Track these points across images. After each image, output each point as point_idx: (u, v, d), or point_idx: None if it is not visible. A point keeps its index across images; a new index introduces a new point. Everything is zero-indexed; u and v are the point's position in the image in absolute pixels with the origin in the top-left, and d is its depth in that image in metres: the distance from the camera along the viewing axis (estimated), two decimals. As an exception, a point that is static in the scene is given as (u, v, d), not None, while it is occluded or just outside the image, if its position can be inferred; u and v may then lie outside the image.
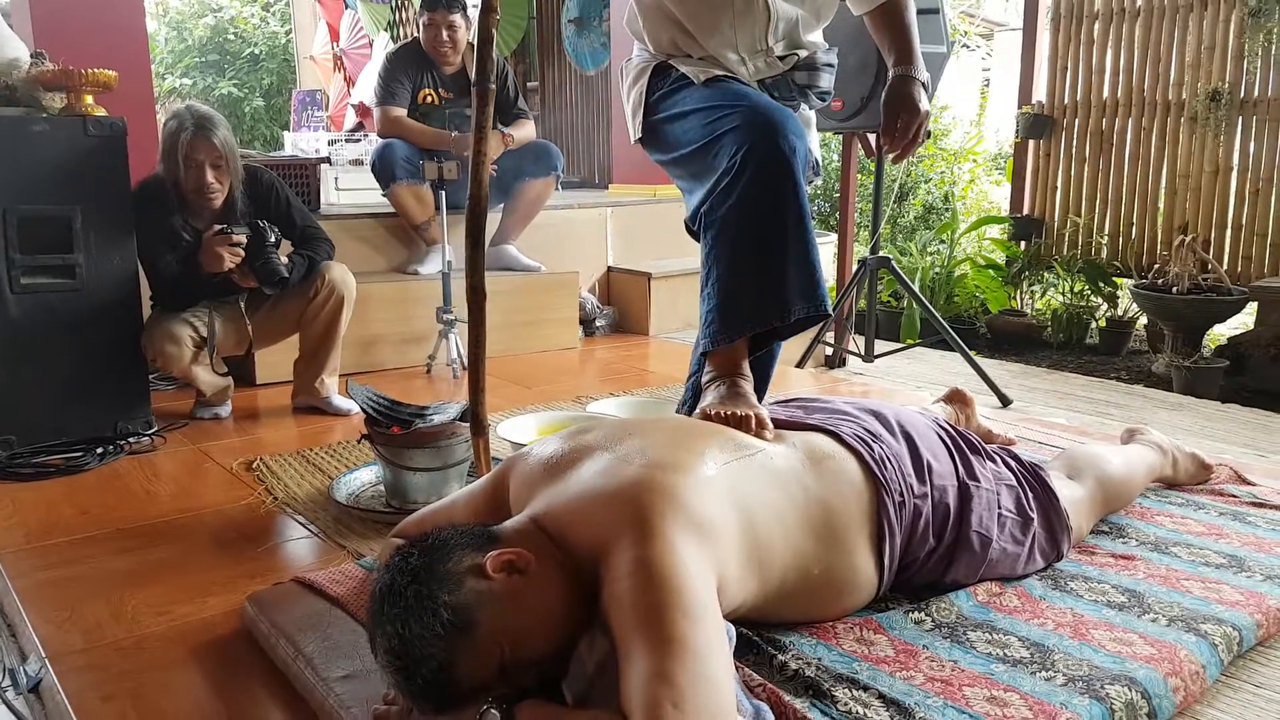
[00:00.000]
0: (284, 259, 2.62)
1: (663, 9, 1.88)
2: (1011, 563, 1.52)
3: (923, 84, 1.87)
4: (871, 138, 3.61)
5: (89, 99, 2.47)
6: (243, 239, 2.54)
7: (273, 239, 2.59)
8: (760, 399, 2.07)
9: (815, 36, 1.94)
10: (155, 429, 2.59)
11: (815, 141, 2.05)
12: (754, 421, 1.50)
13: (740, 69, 1.87)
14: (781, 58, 1.88)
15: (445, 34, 3.60)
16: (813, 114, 2.04)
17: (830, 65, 1.92)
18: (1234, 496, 1.92)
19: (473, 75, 4.03)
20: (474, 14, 5.55)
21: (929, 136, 1.89)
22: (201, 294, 2.64)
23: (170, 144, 2.52)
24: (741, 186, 1.67)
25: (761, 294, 1.69)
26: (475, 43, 1.75)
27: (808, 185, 1.94)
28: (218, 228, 2.54)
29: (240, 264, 2.56)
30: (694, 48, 1.88)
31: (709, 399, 1.65)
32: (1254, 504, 1.87)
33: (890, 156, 1.95)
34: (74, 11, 3.38)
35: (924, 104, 1.86)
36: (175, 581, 1.70)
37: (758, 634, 1.31)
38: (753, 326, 1.71)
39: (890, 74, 1.89)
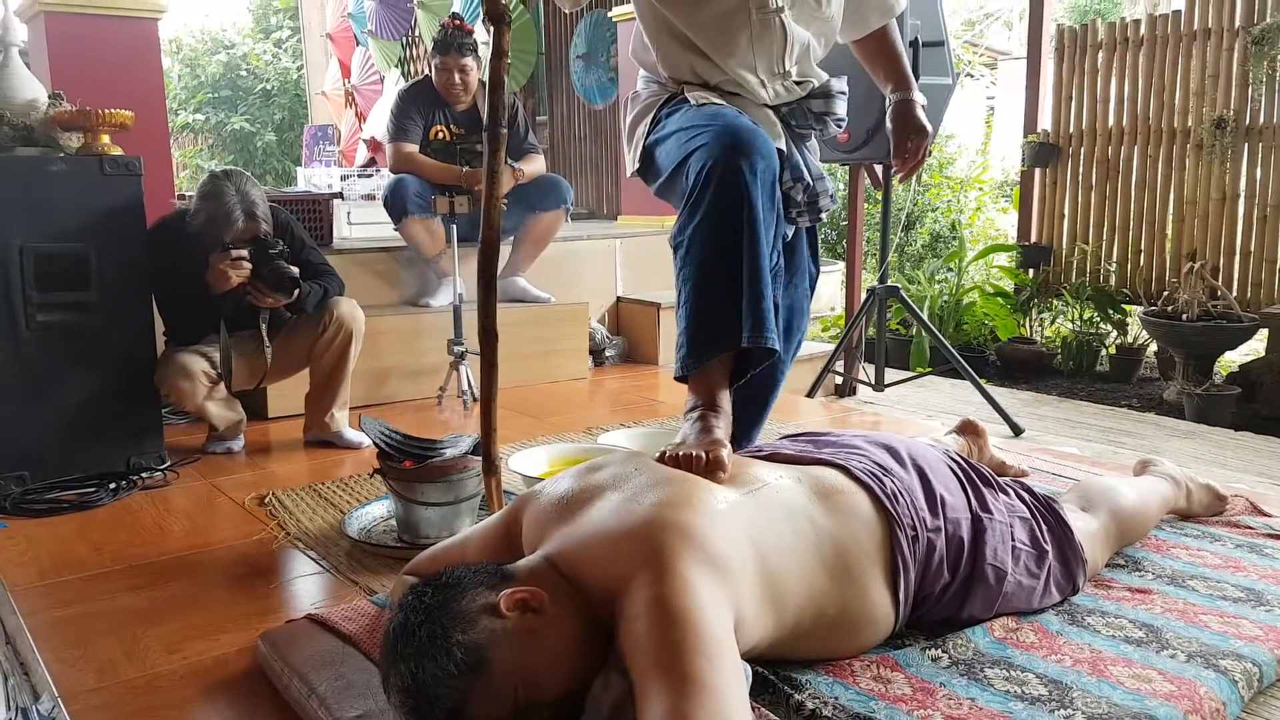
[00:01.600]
0: (294, 269, 2.61)
1: (676, 35, 1.85)
2: (1027, 596, 1.51)
3: (920, 104, 1.97)
4: (878, 168, 3.64)
5: (105, 138, 2.50)
6: (244, 253, 2.54)
7: (278, 249, 2.58)
8: (754, 432, 2.04)
9: (817, 67, 1.97)
10: (168, 464, 2.60)
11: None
12: (704, 462, 1.40)
13: (761, 91, 1.86)
14: (798, 83, 1.89)
15: (457, 77, 3.65)
16: (815, 144, 2.04)
17: (843, 93, 1.93)
18: (1250, 528, 1.90)
19: (484, 113, 4.07)
20: (485, 52, 5.59)
21: (929, 154, 2.03)
22: (214, 325, 2.66)
23: (217, 226, 2.51)
24: (704, 206, 1.63)
25: (723, 317, 1.61)
26: (487, 84, 1.77)
27: (823, 215, 1.94)
28: (221, 251, 2.55)
29: (250, 279, 2.56)
30: (712, 72, 1.85)
31: (679, 436, 1.57)
32: (1271, 536, 1.86)
33: (898, 176, 2.04)
34: (91, 52, 3.44)
35: (928, 124, 1.98)
36: (188, 619, 1.70)
37: (774, 673, 1.30)
38: (717, 351, 1.62)
39: (891, 99, 1.98)
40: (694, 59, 1.86)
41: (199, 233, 2.56)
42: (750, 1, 1.79)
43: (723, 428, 1.57)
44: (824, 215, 1.94)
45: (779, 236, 1.82)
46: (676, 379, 1.71)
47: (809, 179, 1.86)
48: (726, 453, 1.46)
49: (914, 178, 2.02)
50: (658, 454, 1.49)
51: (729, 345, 1.62)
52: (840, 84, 1.94)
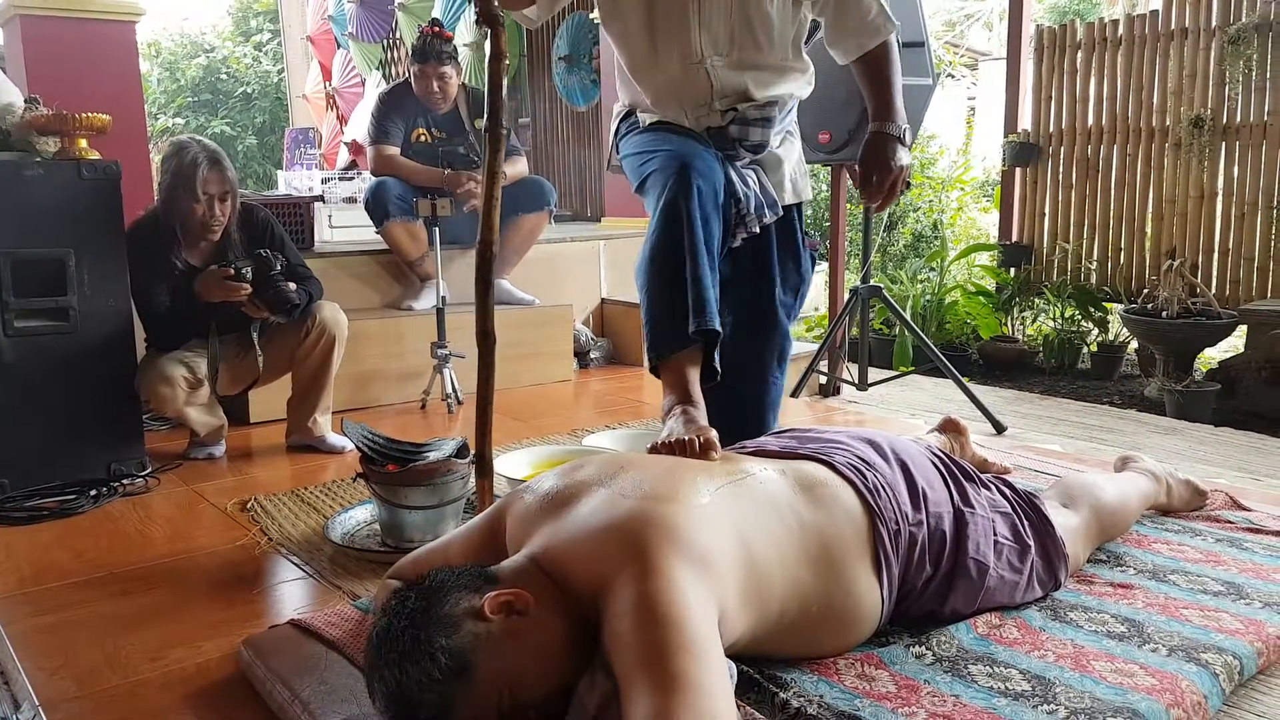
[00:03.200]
0: (292, 286, 2.61)
1: (624, 69, 2.01)
2: (1009, 591, 1.52)
3: (899, 138, 1.90)
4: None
5: (83, 143, 2.48)
6: (246, 273, 2.54)
7: (278, 267, 2.58)
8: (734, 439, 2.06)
9: (780, 89, 1.97)
10: (149, 470, 2.58)
11: (788, 177, 2.06)
12: (698, 445, 1.50)
13: (684, 119, 1.97)
14: (725, 111, 1.94)
15: (436, 85, 3.64)
16: (781, 152, 2.04)
17: (765, 120, 1.95)
18: (1230, 523, 1.92)
19: (465, 116, 4.05)
20: (465, 54, 5.53)
21: (908, 188, 1.92)
22: (198, 329, 2.64)
23: (184, 176, 2.52)
24: (655, 224, 1.82)
25: (678, 319, 1.76)
26: (486, 86, 1.79)
27: (754, 229, 1.98)
28: (219, 266, 2.54)
29: (249, 300, 2.55)
30: (647, 108, 2.00)
31: (665, 431, 1.65)
32: (1250, 530, 1.88)
33: (873, 208, 2.01)
34: (68, 55, 3.41)
35: (902, 159, 1.90)
36: (170, 626, 1.69)
37: (759, 671, 1.30)
38: (676, 346, 1.77)
39: (869, 128, 1.93)
40: (634, 92, 2.02)
41: (171, 208, 2.55)
42: (676, 52, 1.88)
43: (703, 417, 1.68)
44: (755, 229, 1.98)
45: (727, 242, 1.95)
46: (650, 371, 1.84)
47: (740, 195, 1.94)
48: (714, 435, 1.55)
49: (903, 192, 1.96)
50: (648, 448, 1.56)
51: (684, 340, 1.77)
52: (763, 111, 1.94)
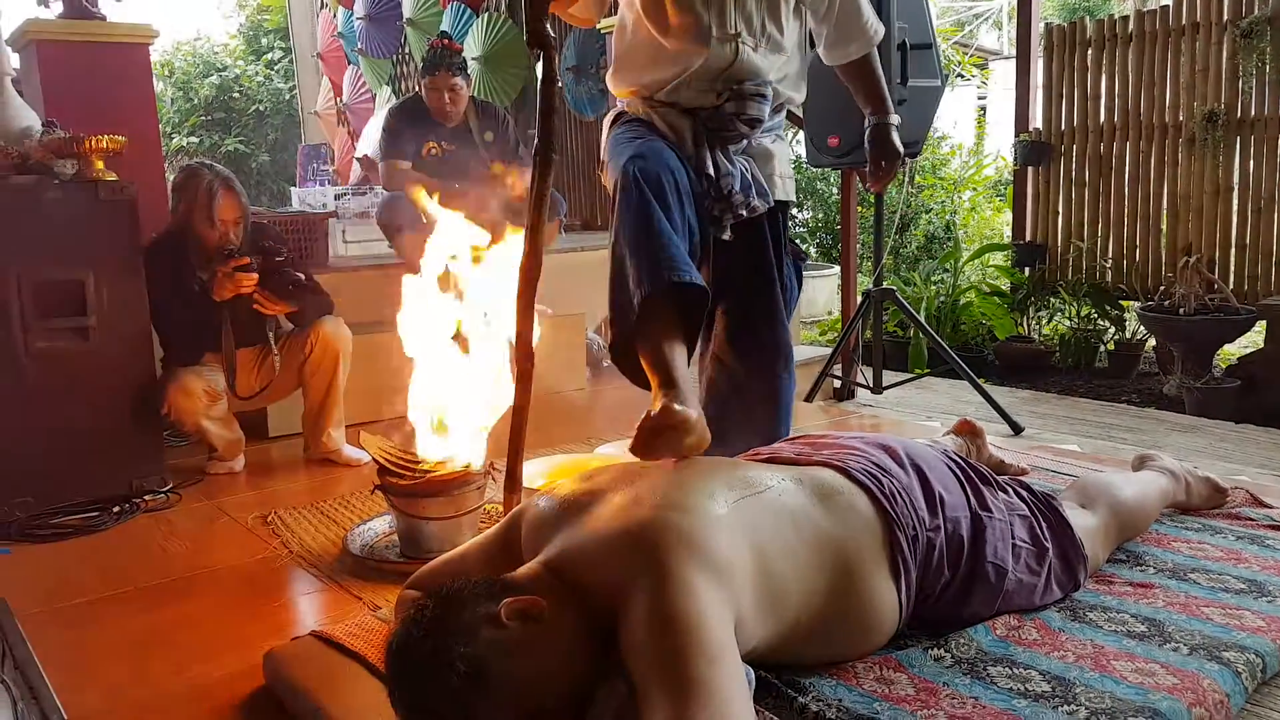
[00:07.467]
0: (300, 275, 2.64)
1: (641, 42, 1.99)
2: (1028, 593, 1.51)
3: (897, 126, 2.15)
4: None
5: (100, 164, 2.51)
6: (252, 263, 2.57)
7: (282, 255, 2.62)
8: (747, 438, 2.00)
9: (783, 79, 1.99)
10: (170, 486, 2.60)
11: (777, 172, 2.05)
12: (673, 444, 1.45)
13: (679, 95, 1.96)
14: (721, 91, 1.93)
15: (447, 96, 3.67)
16: (773, 148, 2.06)
17: (762, 96, 1.93)
18: (1251, 520, 1.90)
19: (473, 128, 4.07)
20: (474, 67, 5.55)
21: (904, 166, 2.33)
22: (213, 343, 2.66)
23: (200, 204, 2.58)
24: (618, 209, 1.84)
25: (639, 281, 1.73)
26: (538, 110, 1.79)
27: (741, 211, 1.95)
28: (226, 253, 2.59)
29: (257, 287, 2.58)
30: (645, 87, 2.02)
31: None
32: (1271, 527, 1.86)
33: (870, 189, 2.28)
34: (83, 79, 3.44)
35: (901, 147, 2.17)
36: (194, 640, 1.70)
37: (776, 676, 1.30)
38: (629, 317, 1.74)
39: (870, 121, 2.16)
40: (635, 70, 2.03)
41: (186, 232, 2.59)
42: (714, 21, 1.88)
43: (687, 406, 1.54)
44: (743, 212, 1.96)
45: (711, 230, 1.95)
46: (615, 359, 1.82)
47: (725, 171, 1.92)
48: (694, 423, 1.49)
49: (907, 179, 2.19)
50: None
51: (633, 310, 1.72)
52: (757, 86, 1.93)
